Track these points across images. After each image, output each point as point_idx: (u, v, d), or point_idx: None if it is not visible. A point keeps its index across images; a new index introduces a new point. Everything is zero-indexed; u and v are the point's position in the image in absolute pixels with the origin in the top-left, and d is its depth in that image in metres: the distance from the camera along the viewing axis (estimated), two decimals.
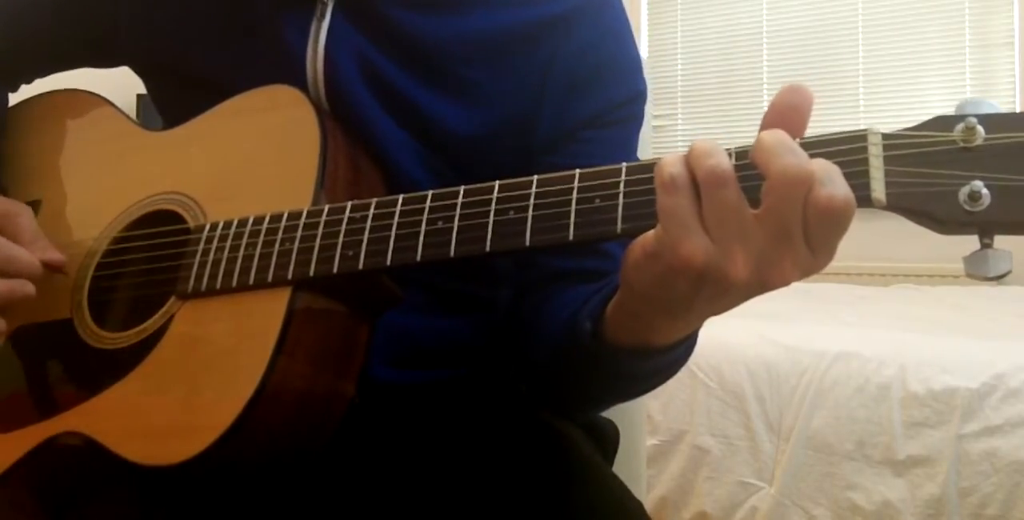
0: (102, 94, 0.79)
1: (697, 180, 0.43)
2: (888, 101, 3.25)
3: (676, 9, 3.63)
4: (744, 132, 3.45)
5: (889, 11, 3.24)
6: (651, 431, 1.83)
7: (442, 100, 0.67)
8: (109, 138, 0.75)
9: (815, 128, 0.45)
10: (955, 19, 3.15)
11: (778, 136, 0.42)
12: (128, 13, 0.73)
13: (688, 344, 0.58)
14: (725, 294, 0.46)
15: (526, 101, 0.68)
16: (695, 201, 0.44)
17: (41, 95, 0.81)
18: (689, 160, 0.44)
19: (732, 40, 3.53)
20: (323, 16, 0.67)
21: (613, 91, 0.70)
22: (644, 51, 3.65)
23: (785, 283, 0.44)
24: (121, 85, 1.09)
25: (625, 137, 0.72)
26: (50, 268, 0.66)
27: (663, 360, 0.56)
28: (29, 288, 0.63)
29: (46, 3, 0.78)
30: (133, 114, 0.76)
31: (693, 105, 3.61)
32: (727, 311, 0.49)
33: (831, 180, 0.41)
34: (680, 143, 3.61)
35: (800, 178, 0.41)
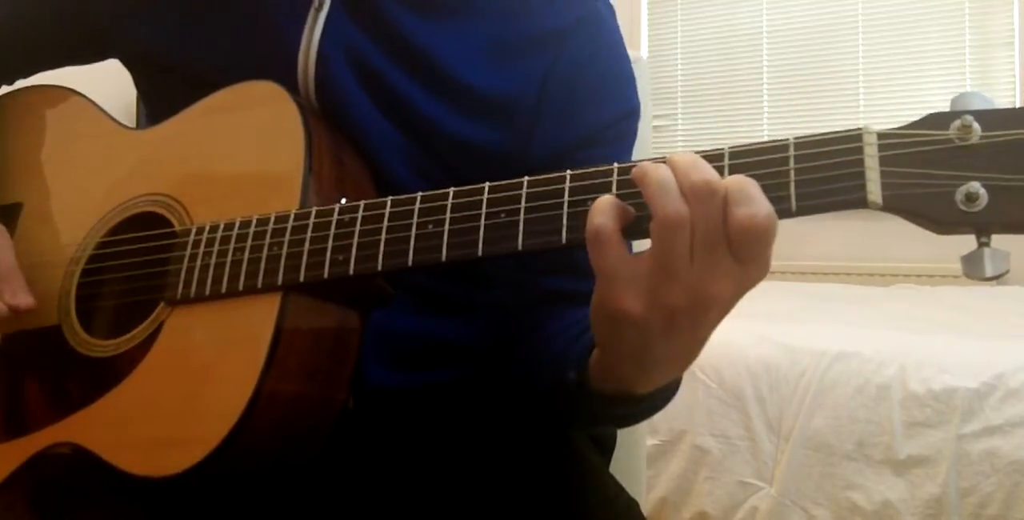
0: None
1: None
2: (888, 101, 3.25)
3: (676, 9, 3.62)
4: (744, 132, 3.45)
5: (889, 11, 3.23)
6: (651, 431, 1.82)
7: (435, 100, 0.67)
8: (88, 137, 0.73)
9: (815, 128, 0.45)
10: (955, 19, 3.14)
11: (686, 156, 0.44)
12: (123, 3, 0.72)
13: (671, 391, 0.58)
14: (674, 327, 0.46)
15: (522, 114, 0.68)
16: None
17: (13, 92, 0.79)
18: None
19: (732, 40, 3.52)
20: (321, 6, 0.66)
21: (607, 109, 0.70)
22: (644, 51, 3.65)
23: (725, 300, 0.45)
24: (121, 85, 1.08)
25: (619, 155, 0.71)
26: (18, 313, 0.65)
27: (645, 406, 0.57)
28: None
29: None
30: (133, 112, 0.75)
31: (693, 105, 3.60)
32: (693, 354, 0.49)
33: (749, 198, 0.42)
34: (680, 143, 3.60)
35: (709, 190, 0.42)
